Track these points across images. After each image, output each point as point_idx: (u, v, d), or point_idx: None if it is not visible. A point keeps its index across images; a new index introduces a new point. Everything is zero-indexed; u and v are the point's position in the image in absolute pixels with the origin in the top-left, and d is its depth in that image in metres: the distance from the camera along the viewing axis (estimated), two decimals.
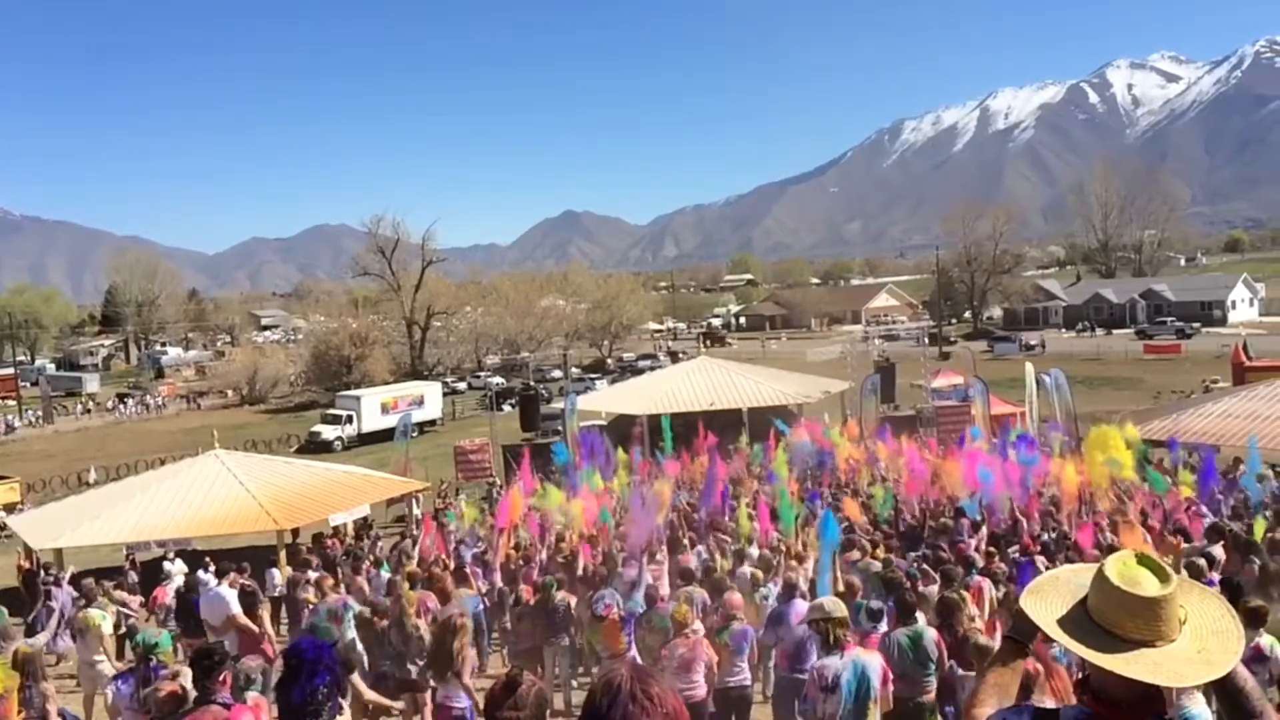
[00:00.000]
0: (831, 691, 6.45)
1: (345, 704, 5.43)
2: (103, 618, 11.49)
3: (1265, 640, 6.66)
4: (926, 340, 47.36)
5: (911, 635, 7.65)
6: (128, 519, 19.38)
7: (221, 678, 5.49)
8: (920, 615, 8.13)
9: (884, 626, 8.36)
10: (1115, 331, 77.17)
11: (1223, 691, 2.65)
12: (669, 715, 2.22)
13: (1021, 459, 16.97)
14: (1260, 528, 11.90)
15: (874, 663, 6.61)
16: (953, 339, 75.55)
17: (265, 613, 10.96)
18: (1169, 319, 76.23)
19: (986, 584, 10.19)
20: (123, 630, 12.84)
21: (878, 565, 11.07)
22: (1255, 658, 6.47)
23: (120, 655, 12.27)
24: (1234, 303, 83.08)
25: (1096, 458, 13.65)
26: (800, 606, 8.96)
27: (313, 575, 13.55)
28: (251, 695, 6.17)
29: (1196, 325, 73.15)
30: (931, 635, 7.72)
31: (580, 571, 12.31)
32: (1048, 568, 8.47)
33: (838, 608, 6.85)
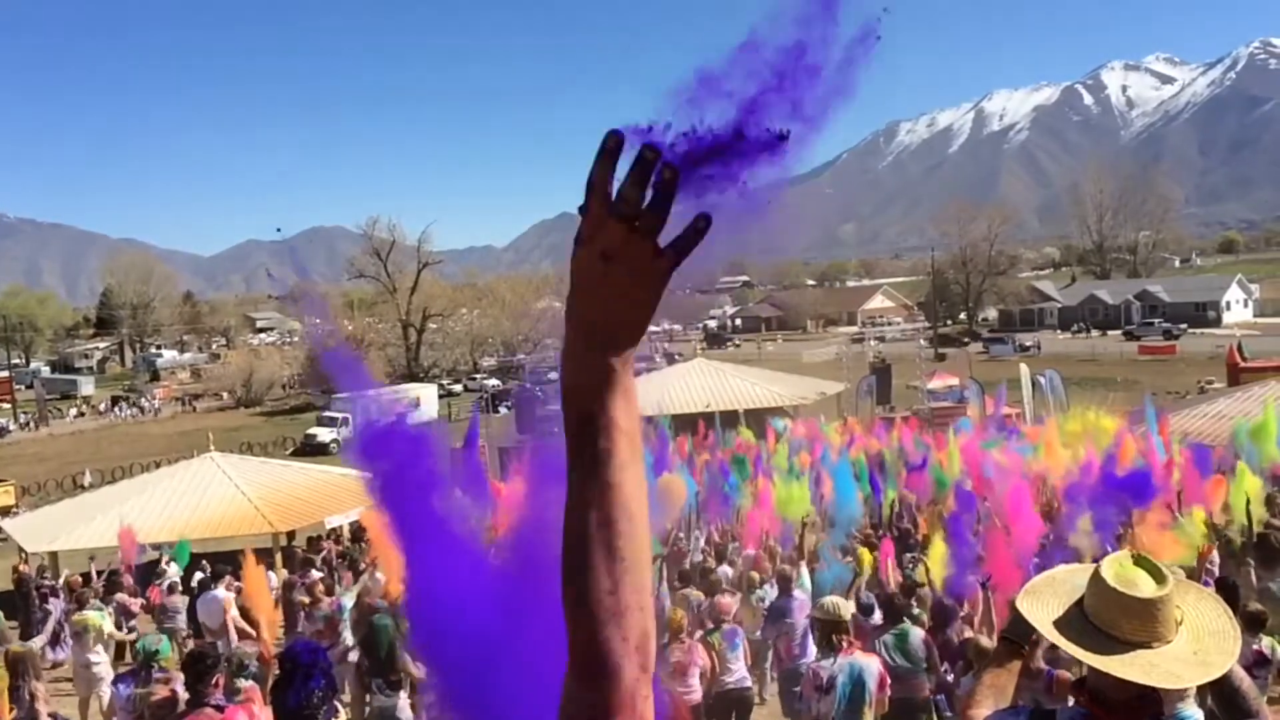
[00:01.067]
0: (826, 692, 6.47)
1: (341, 707, 5.41)
2: (101, 618, 11.45)
3: (1266, 643, 6.65)
4: (925, 342, 47.44)
5: (897, 635, 7.72)
6: (123, 522, 19.32)
7: (215, 680, 5.48)
8: (916, 615, 8.22)
9: (877, 618, 8.43)
10: (1106, 333, 77.48)
11: (1219, 691, 2.66)
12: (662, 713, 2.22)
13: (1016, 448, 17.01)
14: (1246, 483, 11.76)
15: (871, 666, 6.62)
16: (965, 340, 75.33)
17: (260, 615, 10.95)
18: (1156, 320, 76.60)
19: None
20: (125, 633, 12.80)
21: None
22: (1258, 662, 6.42)
23: (120, 658, 12.22)
24: (1228, 304, 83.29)
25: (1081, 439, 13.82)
26: (801, 597, 9.01)
27: (315, 575, 13.53)
28: (245, 683, 6.15)
29: (1183, 326, 73.51)
30: (919, 635, 7.80)
31: None
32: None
33: (841, 609, 6.85)
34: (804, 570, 10.01)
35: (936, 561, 9.89)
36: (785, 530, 13.40)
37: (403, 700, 8.06)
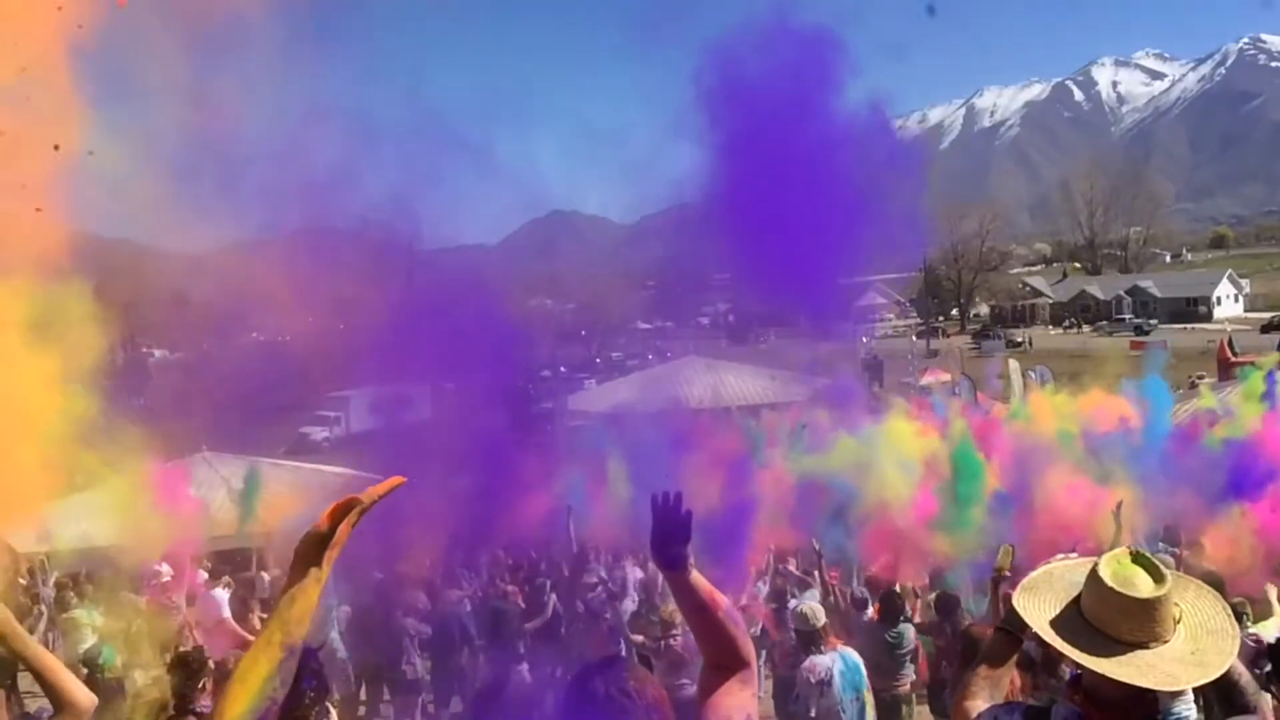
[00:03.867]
0: (827, 686, 6.48)
1: (332, 708, 5.37)
2: (91, 617, 11.39)
3: (1271, 631, 6.49)
4: (925, 335, 47.45)
5: (895, 635, 7.91)
6: (115, 521, 19.20)
7: (201, 685, 5.41)
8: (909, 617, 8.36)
9: (870, 612, 8.57)
10: (1091, 328, 78.38)
11: (1217, 687, 2.64)
12: (650, 705, 2.22)
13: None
14: None
15: (856, 656, 6.68)
16: (1016, 338, 74.32)
17: (255, 616, 10.87)
18: (1127, 316, 77.41)
19: None
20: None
21: None
22: (1260, 654, 6.27)
23: None
24: (1219, 299, 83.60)
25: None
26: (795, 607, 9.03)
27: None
28: None
29: (1153, 322, 74.63)
30: (911, 634, 8.00)
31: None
32: None
33: (817, 616, 6.86)
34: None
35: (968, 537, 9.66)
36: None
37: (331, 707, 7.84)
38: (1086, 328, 79.79)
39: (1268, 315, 73.60)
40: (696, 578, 2.42)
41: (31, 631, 8.88)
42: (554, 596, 10.85)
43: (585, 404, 39.27)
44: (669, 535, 2.40)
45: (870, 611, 8.76)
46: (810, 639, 6.73)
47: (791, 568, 10.97)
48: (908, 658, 8.18)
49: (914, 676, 8.33)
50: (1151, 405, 13.24)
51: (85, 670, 7.47)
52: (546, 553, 13.82)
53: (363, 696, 10.28)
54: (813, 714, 6.60)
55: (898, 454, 12.06)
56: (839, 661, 6.54)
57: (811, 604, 7.05)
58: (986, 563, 8.86)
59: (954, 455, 11.36)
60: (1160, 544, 9.26)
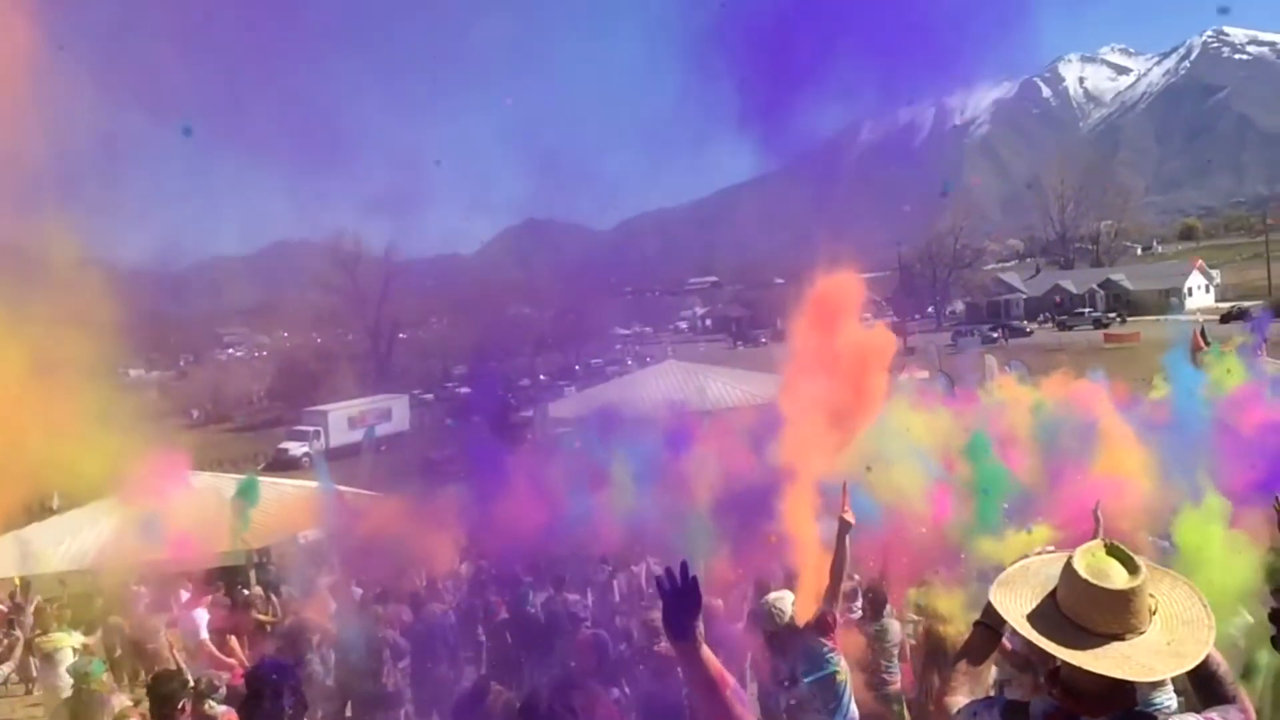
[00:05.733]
0: (794, 683, 6.33)
1: None
2: (71, 639, 11.25)
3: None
4: (901, 333, 47.51)
5: (879, 630, 7.91)
6: (94, 543, 18.97)
7: (181, 705, 5.36)
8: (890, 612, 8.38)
9: (859, 605, 8.58)
10: (1040, 322, 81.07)
11: (1196, 676, 2.65)
12: None
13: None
14: None
15: (824, 641, 6.39)
16: (1034, 333, 74.98)
17: (233, 637, 10.74)
18: (1086, 310, 79.95)
19: None
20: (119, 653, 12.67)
21: None
22: None
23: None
24: (1190, 289, 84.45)
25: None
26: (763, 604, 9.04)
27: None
28: (220, 708, 6.04)
29: (1112, 315, 77.10)
30: (896, 630, 8.03)
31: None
32: None
33: (782, 619, 6.45)
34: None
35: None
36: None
37: None
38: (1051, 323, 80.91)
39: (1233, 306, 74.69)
40: (707, 654, 2.47)
41: (9, 656, 8.80)
42: (589, 601, 10.73)
43: (566, 411, 39.25)
44: (680, 607, 2.45)
45: (859, 605, 8.72)
46: (779, 640, 6.48)
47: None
48: (894, 652, 8.13)
49: (900, 675, 8.29)
50: (1177, 385, 12.75)
51: (72, 684, 7.35)
52: (534, 563, 13.75)
53: (348, 713, 10.17)
54: (781, 707, 6.55)
55: (907, 443, 11.51)
56: (802, 658, 6.33)
57: (779, 602, 6.57)
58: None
59: (969, 449, 10.78)
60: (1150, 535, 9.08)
